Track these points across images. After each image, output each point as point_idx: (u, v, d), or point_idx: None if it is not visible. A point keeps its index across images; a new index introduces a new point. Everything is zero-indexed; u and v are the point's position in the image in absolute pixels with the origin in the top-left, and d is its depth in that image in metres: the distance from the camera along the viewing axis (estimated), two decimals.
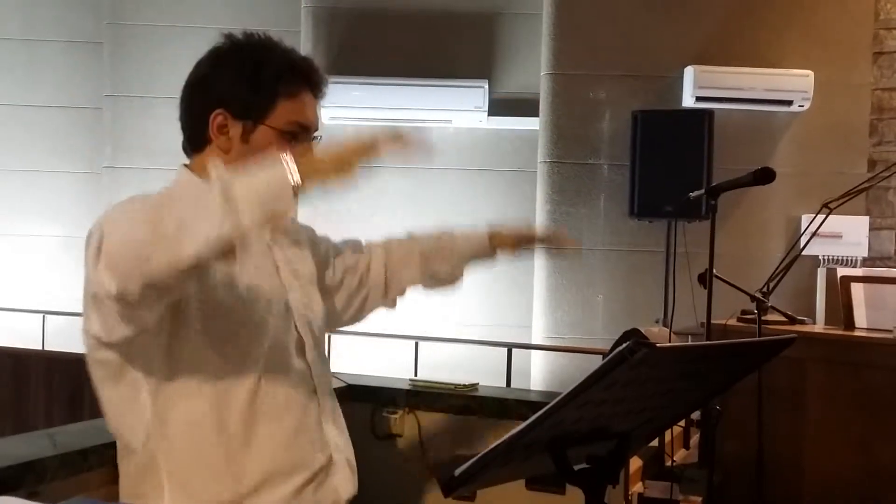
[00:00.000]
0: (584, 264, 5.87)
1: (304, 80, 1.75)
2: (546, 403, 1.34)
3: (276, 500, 1.67)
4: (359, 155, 1.48)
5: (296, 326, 1.77)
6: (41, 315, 6.80)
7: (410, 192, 6.37)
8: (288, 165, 1.39)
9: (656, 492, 3.45)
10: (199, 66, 1.76)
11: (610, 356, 1.28)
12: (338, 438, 1.80)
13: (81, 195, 7.33)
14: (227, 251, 1.39)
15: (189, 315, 1.60)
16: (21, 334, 6.72)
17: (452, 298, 6.64)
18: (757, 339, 1.59)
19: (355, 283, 2.03)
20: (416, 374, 5.65)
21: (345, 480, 1.80)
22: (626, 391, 1.43)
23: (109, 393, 1.63)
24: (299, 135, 1.73)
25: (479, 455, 1.39)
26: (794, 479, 3.66)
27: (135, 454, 1.64)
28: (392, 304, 2.10)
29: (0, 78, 7.34)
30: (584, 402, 1.35)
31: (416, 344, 5.92)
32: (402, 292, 2.09)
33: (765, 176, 2.98)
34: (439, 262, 2.07)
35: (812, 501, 3.62)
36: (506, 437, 1.36)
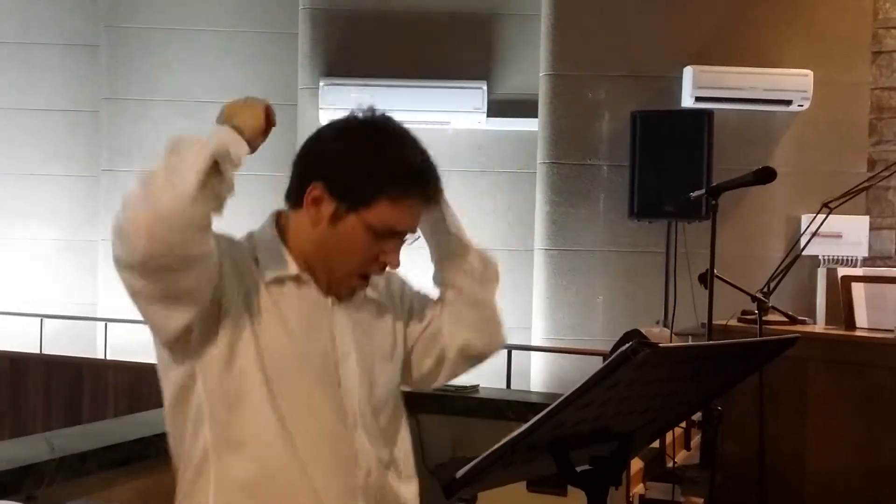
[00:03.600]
0: (583, 265, 5.86)
1: (416, 187, 1.66)
2: (547, 405, 1.33)
3: None
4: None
5: (344, 401, 1.68)
6: (39, 319, 6.80)
7: None
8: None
9: (658, 493, 3.45)
10: (326, 128, 1.73)
11: (613, 357, 1.27)
12: None
13: (79, 199, 7.33)
14: (222, 176, 1.48)
15: (234, 361, 1.60)
16: (19, 338, 6.71)
17: None
18: (759, 339, 1.58)
19: (429, 340, 1.88)
20: None
21: None
22: (629, 392, 1.42)
23: (175, 413, 1.66)
24: (387, 237, 1.66)
25: (480, 457, 1.38)
26: (795, 479, 3.65)
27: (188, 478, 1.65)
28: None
29: None
30: (586, 402, 1.34)
31: None
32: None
33: (765, 175, 2.98)
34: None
35: (813, 501, 3.61)
36: (507, 438, 1.35)
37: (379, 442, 1.73)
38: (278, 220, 1.73)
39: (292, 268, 1.68)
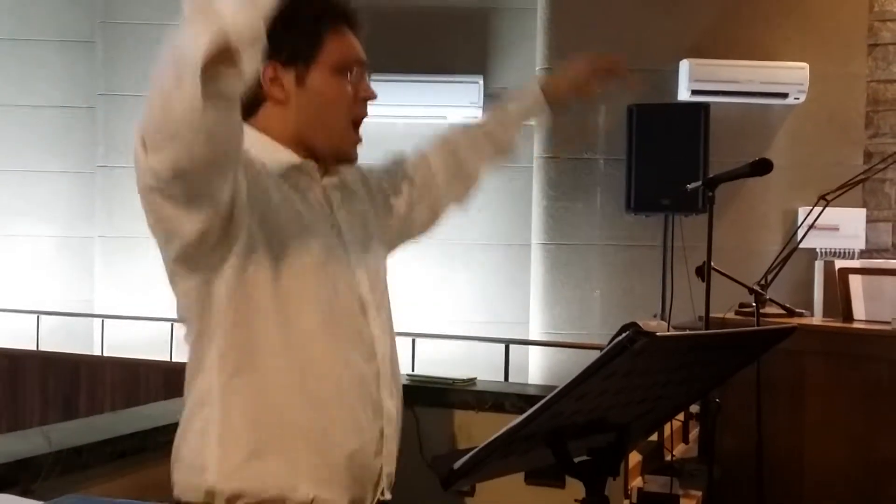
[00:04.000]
0: (580, 259, 5.86)
1: (342, 16, 1.75)
2: (541, 397, 1.33)
3: (327, 462, 1.64)
4: None
5: (360, 291, 1.73)
6: (35, 315, 6.79)
7: None
8: None
9: (656, 486, 3.44)
10: None
11: (609, 346, 1.26)
12: (392, 410, 1.76)
13: (75, 195, 7.31)
14: (230, 56, 1.30)
15: (257, 274, 1.59)
16: (15, 335, 6.70)
17: (450, 294, 6.65)
18: (757, 328, 1.58)
19: (419, 191, 2.00)
20: (413, 370, 5.64)
21: (391, 455, 1.77)
22: (626, 382, 1.42)
23: (198, 322, 1.61)
24: (352, 69, 1.73)
25: (477, 448, 1.37)
26: (793, 471, 3.65)
27: (206, 389, 1.61)
28: (464, 196, 2.09)
29: None
30: (582, 393, 1.33)
31: (413, 340, 5.91)
32: (473, 180, 2.07)
33: (762, 167, 2.97)
34: (502, 133, 2.08)
35: (812, 494, 3.61)
36: (504, 429, 1.34)
37: (386, 331, 1.78)
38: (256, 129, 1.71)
39: (294, 157, 1.70)
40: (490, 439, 1.36)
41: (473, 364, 5.22)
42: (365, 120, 1.82)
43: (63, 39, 7.31)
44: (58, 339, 6.69)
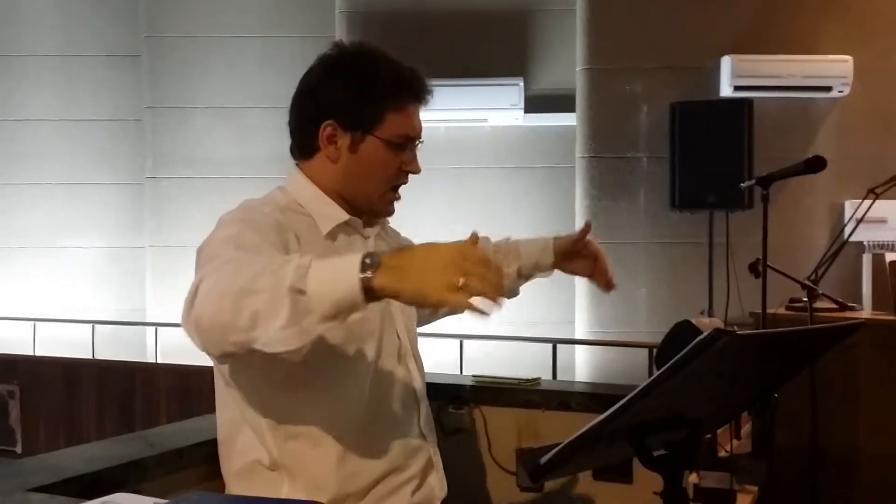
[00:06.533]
0: (625, 258, 5.89)
1: (411, 92, 1.80)
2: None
3: (380, 499, 1.74)
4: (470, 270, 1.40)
5: (397, 332, 1.83)
6: (90, 325, 6.93)
7: (448, 192, 6.42)
8: (365, 272, 1.35)
9: (712, 482, 3.46)
10: (310, 75, 1.81)
11: (692, 345, 1.31)
12: (432, 442, 1.88)
13: (125, 206, 7.46)
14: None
15: None
16: (72, 344, 6.85)
17: None
18: (829, 325, 1.62)
19: None
20: (461, 371, 5.70)
21: (440, 481, 1.87)
22: (702, 380, 1.47)
23: (229, 393, 1.75)
24: (405, 145, 1.80)
25: (563, 444, 1.43)
26: (848, 465, 3.67)
27: (250, 453, 1.71)
28: None
29: (42, 93, 7.47)
30: (666, 390, 1.39)
31: (461, 341, 5.97)
32: None
33: (816, 164, 3.00)
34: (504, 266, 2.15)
35: (866, 488, 3.63)
36: (591, 424, 1.40)
37: (421, 373, 1.91)
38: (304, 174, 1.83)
39: (343, 214, 1.79)
40: (576, 435, 1.42)
41: (520, 363, 5.27)
42: None
43: (110, 54, 7.46)
44: (112, 347, 6.83)
